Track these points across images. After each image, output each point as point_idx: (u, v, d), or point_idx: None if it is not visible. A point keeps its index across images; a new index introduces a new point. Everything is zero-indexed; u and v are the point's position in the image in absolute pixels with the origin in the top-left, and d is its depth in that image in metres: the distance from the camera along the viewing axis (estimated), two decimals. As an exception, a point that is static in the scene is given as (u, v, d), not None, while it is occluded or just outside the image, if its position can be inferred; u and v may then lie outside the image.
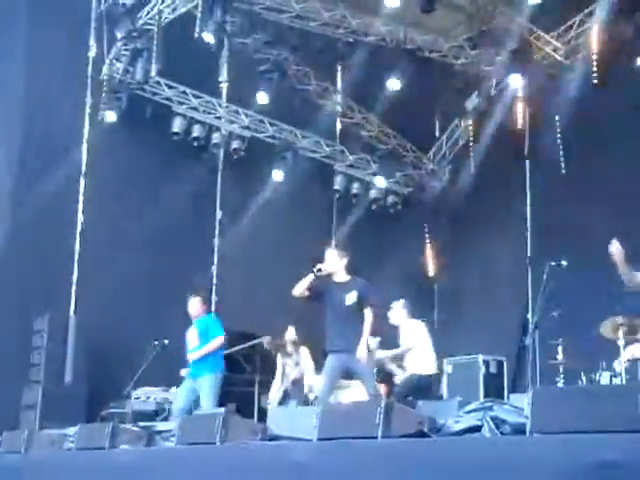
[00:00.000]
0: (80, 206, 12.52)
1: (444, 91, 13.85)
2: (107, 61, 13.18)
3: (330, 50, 13.47)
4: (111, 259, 12.21)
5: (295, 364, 10.65)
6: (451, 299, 15.14)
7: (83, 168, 12.70)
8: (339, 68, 15.01)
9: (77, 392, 11.43)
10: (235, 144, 14.12)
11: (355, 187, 15.27)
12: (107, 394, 11.30)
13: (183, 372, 9.71)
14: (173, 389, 11.12)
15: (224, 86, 14.32)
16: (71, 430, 8.19)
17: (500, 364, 11.03)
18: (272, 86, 13.63)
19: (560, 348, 9.53)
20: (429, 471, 4.55)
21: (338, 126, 15.49)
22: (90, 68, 13.03)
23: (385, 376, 10.15)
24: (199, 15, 11.88)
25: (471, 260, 14.65)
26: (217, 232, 13.96)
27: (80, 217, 12.49)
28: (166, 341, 10.25)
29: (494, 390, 10.37)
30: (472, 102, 13.81)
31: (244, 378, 11.41)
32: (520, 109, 13.32)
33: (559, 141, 13.17)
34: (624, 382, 8.18)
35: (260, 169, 14.34)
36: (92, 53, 13.10)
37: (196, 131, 13.77)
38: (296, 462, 5.28)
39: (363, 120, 15.33)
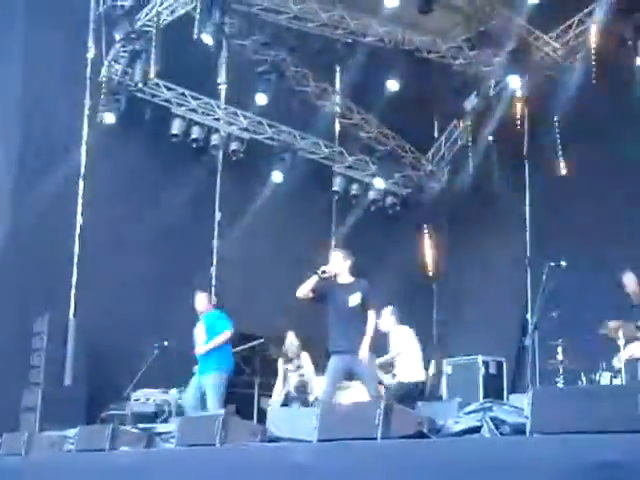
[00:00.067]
0: (79, 208, 12.51)
1: (443, 92, 13.84)
2: (106, 63, 13.16)
3: (328, 51, 13.45)
4: (110, 261, 12.20)
5: (296, 368, 10.66)
6: (450, 300, 15.14)
7: (82, 170, 12.68)
8: (337, 69, 15.01)
9: (77, 394, 11.42)
10: (234, 145, 14.12)
11: (354, 188, 15.26)
12: (107, 396, 11.29)
13: (195, 369, 9.75)
14: (172, 391, 11.12)
15: (223, 88, 14.31)
16: (71, 432, 8.21)
17: (500, 365, 11.03)
18: (271, 87, 13.61)
19: (560, 348, 9.52)
20: (429, 472, 4.55)
21: (337, 127, 15.48)
22: (89, 70, 13.01)
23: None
24: (197, 17, 11.87)
25: (470, 261, 14.65)
26: (216, 233, 13.95)
27: (79, 219, 12.48)
28: (166, 343, 10.26)
29: (494, 391, 10.38)
30: (471, 103, 13.81)
31: (243, 380, 11.41)
32: (519, 110, 13.34)
33: (558, 142, 13.18)
34: (623, 381, 8.19)
35: (259, 170, 14.33)
36: (91, 54, 13.08)
37: (195, 133, 13.76)
38: (296, 463, 5.28)
39: (362, 121, 15.33)
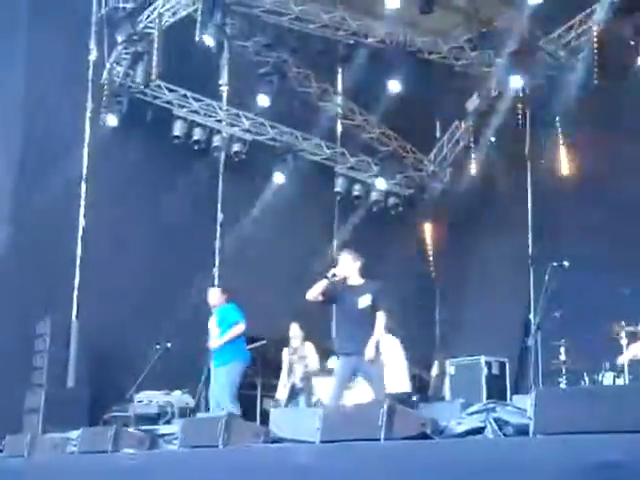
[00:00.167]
0: (82, 209, 12.53)
1: (444, 92, 13.85)
2: (108, 65, 13.17)
3: (330, 52, 13.46)
4: (113, 262, 12.21)
5: (300, 358, 10.65)
6: (453, 300, 15.13)
7: (84, 171, 12.71)
8: (339, 70, 15.01)
9: (80, 396, 11.43)
10: (236, 147, 14.13)
11: (356, 189, 15.25)
12: (109, 397, 11.30)
13: (210, 364, 9.76)
14: (175, 392, 11.13)
15: (224, 89, 14.33)
16: (74, 434, 8.21)
17: (502, 365, 11.02)
18: (272, 89, 13.61)
19: (562, 349, 9.53)
20: (432, 473, 4.54)
21: (339, 128, 15.49)
22: (91, 71, 13.04)
23: None
24: (199, 18, 11.88)
25: (472, 261, 14.65)
26: (218, 235, 13.96)
27: (82, 221, 12.50)
28: (168, 344, 10.26)
29: (497, 391, 10.38)
30: (472, 103, 13.81)
31: (246, 381, 11.39)
32: (520, 110, 13.33)
33: (560, 142, 13.18)
34: (627, 380, 8.19)
35: (261, 172, 14.34)
36: (93, 56, 13.11)
37: (197, 134, 13.77)
38: (299, 464, 5.28)
39: (364, 122, 15.32)
